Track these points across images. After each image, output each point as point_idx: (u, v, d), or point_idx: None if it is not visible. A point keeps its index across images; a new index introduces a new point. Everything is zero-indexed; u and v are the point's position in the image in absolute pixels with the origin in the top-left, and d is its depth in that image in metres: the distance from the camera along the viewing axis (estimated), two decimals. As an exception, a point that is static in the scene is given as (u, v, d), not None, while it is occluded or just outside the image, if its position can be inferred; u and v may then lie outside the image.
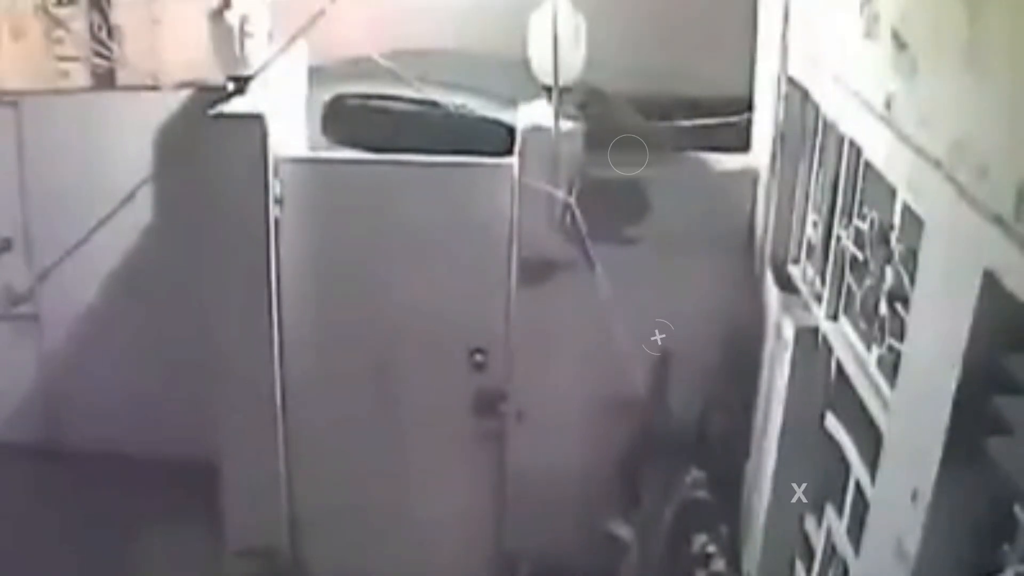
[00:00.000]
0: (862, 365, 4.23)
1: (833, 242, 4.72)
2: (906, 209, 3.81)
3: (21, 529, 6.20)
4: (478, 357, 6.13)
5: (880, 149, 3.94)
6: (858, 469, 4.25)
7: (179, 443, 6.67)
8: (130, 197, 6.68)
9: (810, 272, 5.09)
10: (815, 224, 5.06)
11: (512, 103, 6.11)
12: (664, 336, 5.79)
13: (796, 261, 5.32)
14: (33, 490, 6.54)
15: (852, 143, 4.43)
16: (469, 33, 6.73)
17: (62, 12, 8.75)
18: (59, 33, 8.77)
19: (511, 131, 5.93)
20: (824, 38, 4.72)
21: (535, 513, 6.11)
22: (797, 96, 5.18)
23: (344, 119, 6.63)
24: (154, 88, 6.72)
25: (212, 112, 5.71)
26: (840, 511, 4.49)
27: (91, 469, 6.64)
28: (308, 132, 6.43)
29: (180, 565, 6.19)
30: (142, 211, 6.69)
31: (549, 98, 5.74)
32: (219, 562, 6.03)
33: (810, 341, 4.82)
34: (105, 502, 6.44)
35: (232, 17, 5.89)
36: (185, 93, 6.57)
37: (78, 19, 9.00)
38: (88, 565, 6.15)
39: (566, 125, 5.76)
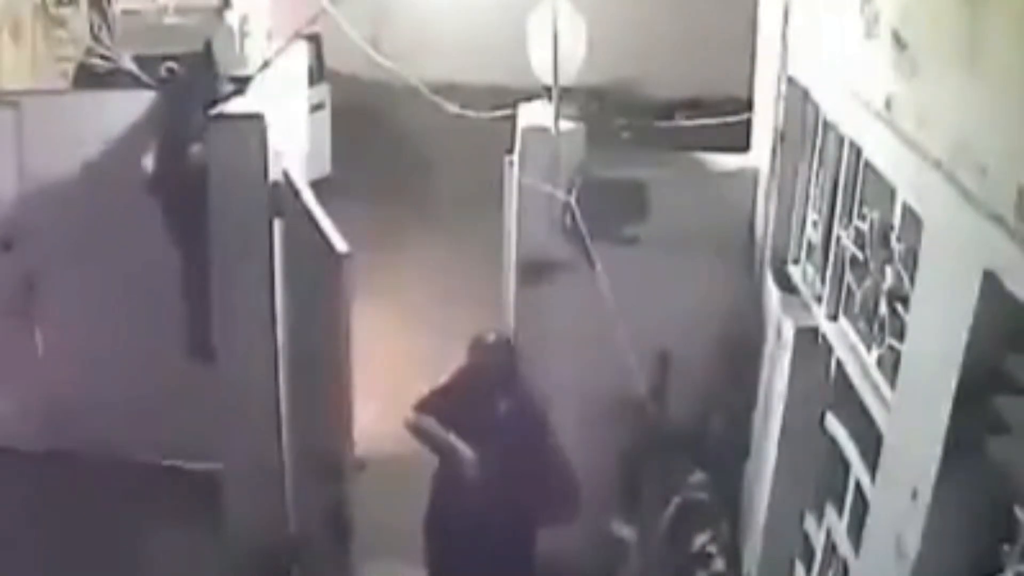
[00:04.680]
0: (862, 365, 4.23)
1: (833, 242, 4.72)
2: (906, 209, 3.81)
3: (21, 532, 6.19)
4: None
5: (880, 149, 3.95)
6: (858, 469, 4.25)
7: (179, 444, 6.68)
8: (130, 196, 6.67)
9: (810, 272, 5.10)
10: (815, 224, 5.06)
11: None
12: (664, 336, 5.79)
13: (796, 261, 5.33)
14: (33, 493, 6.53)
15: (852, 143, 4.44)
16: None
17: (62, 12, 8.77)
18: (59, 33, 8.80)
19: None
20: (824, 38, 4.73)
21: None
22: (797, 96, 5.19)
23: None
24: (154, 88, 6.72)
25: (212, 112, 5.71)
26: (840, 511, 4.49)
27: (90, 471, 6.63)
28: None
29: (181, 566, 6.19)
30: (142, 211, 6.67)
31: (549, 98, 5.73)
32: (220, 563, 6.02)
33: (810, 341, 4.82)
34: (105, 504, 6.43)
35: (232, 17, 5.89)
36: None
37: (78, 19, 9.03)
38: (89, 567, 6.16)
39: (566, 125, 5.75)
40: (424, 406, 5.50)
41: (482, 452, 5.35)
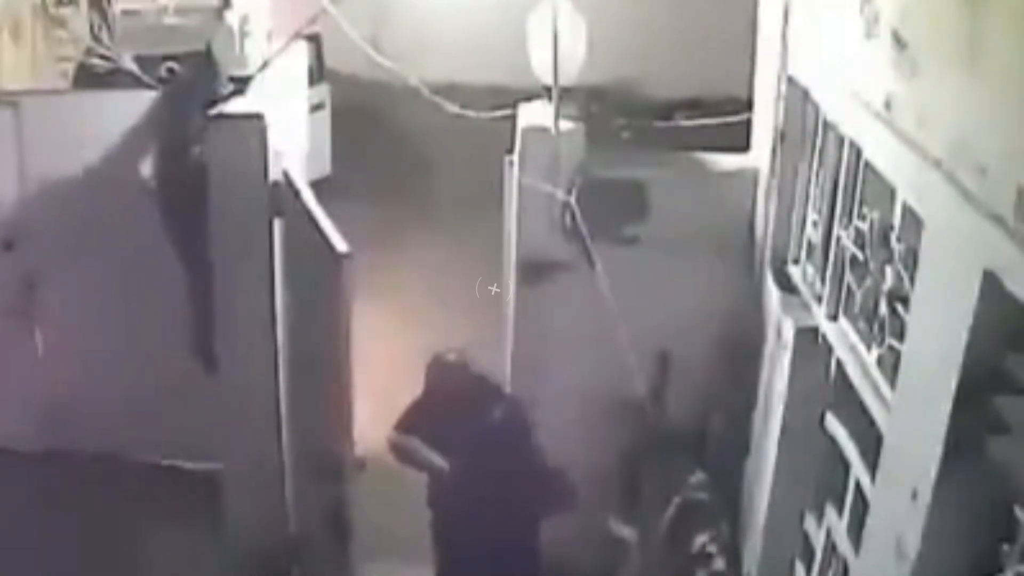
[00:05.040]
0: (862, 365, 4.23)
1: (833, 242, 4.72)
2: (906, 209, 3.81)
3: (21, 532, 6.19)
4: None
5: (880, 149, 3.95)
6: (858, 469, 4.25)
7: (179, 444, 6.68)
8: (130, 197, 6.67)
9: (810, 272, 5.10)
10: (815, 224, 5.06)
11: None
12: (664, 336, 5.79)
13: (796, 261, 5.33)
14: (32, 493, 6.53)
15: (852, 143, 4.44)
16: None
17: (62, 12, 8.77)
18: (59, 33, 8.80)
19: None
20: (824, 38, 4.72)
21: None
22: (797, 96, 5.18)
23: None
24: (154, 88, 6.72)
25: (212, 112, 5.71)
26: (840, 511, 4.49)
27: (90, 471, 6.63)
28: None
29: (181, 566, 6.19)
30: (142, 211, 6.67)
31: (549, 98, 5.73)
32: (220, 563, 6.02)
33: (810, 341, 4.82)
34: (105, 504, 6.43)
35: (232, 17, 5.89)
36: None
37: (78, 19, 9.03)
38: (89, 567, 6.15)
39: (566, 125, 5.75)
40: (403, 425, 5.62)
41: (463, 464, 5.46)
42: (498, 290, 6.77)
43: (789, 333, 4.92)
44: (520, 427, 5.65)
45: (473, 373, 5.67)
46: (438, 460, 5.50)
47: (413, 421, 5.61)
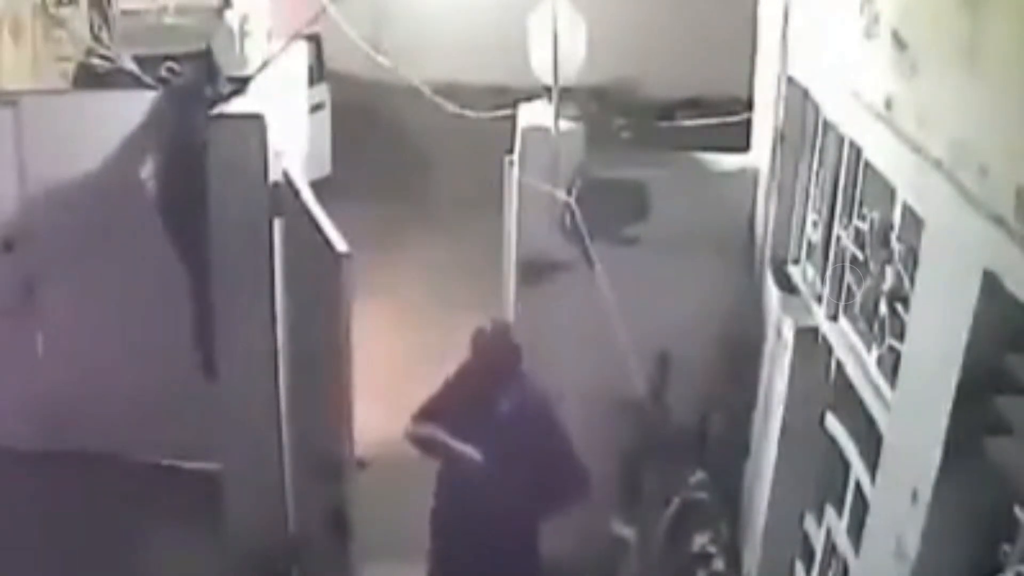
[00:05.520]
0: (862, 365, 4.23)
1: (833, 242, 4.72)
2: (906, 209, 3.82)
3: (21, 532, 6.19)
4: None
5: (880, 149, 3.95)
6: (858, 469, 4.25)
7: (179, 444, 6.68)
8: (130, 197, 6.68)
9: (810, 272, 5.10)
10: (815, 224, 5.07)
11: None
12: (664, 336, 5.79)
13: (796, 261, 5.33)
14: (32, 493, 6.53)
15: (852, 143, 4.44)
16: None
17: (62, 12, 8.78)
18: (59, 33, 8.81)
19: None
20: (824, 38, 4.73)
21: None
22: (797, 96, 5.19)
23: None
24: (154, 88, 6.72)
25: (212, 112, 5.71)
26: (840, 511, 4.49)
27: (90, 471, 6.63)
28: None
29: (180, 566, 6.19)
30: (142, 211, 6.68)
31: (549, 98, 5.73)
32: (220, 563, 6.02)
33: (810, 341, 4.82)
34: (105, 504, 6.44)
35: (232, 17, 5.90)
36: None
37: (78, 19, 9.05)
38: (89, 567, 6.15)
39: (566, 125, 5.75)
40: (425, 414, 5.42)
41: (491, 448, 5.24)
42: (498, 290, 6.76)
43: (789, 333, 4.92)
44: (546, 411, 5.48)
45: (506, 346, 5.42)
46: (465, 449, 5.26)
47: (432, 409, 5.41)
